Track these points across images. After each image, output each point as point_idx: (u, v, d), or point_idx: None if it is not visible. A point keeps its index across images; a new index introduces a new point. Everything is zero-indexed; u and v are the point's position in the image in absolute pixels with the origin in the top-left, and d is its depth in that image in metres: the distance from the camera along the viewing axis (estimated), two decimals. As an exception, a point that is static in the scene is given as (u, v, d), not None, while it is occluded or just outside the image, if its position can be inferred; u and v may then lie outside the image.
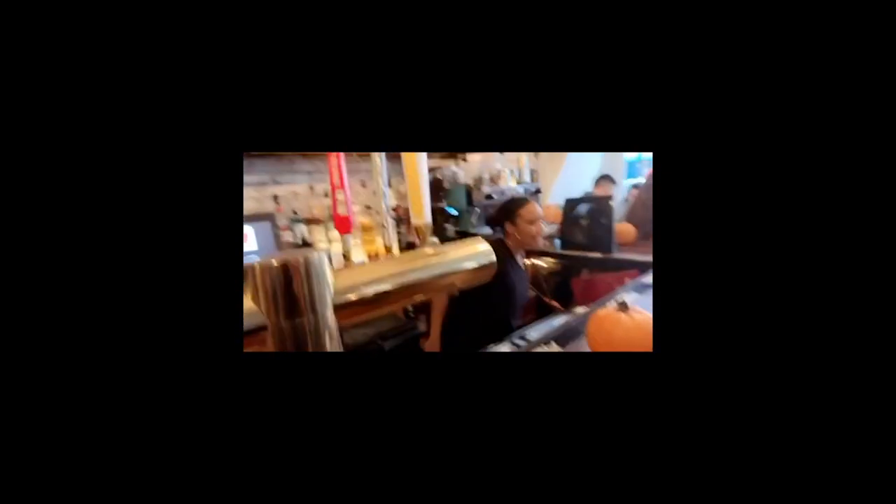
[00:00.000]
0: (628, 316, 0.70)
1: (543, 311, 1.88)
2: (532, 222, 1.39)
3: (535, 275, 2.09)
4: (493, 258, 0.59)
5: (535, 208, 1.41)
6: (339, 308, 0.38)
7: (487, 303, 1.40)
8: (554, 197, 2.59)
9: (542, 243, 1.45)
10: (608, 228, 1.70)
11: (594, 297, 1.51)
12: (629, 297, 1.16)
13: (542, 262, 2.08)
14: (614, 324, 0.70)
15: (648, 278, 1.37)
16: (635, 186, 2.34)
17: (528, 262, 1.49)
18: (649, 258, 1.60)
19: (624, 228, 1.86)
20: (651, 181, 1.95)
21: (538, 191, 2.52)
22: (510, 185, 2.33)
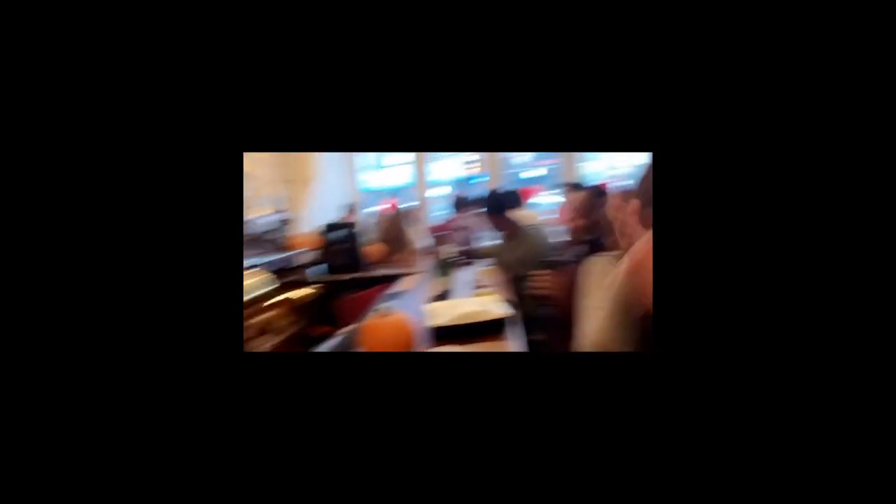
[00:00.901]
0: (387, 319, 0.83)
1: (311, 342, 1.86)
2: None
3: (296, 307, 2.02)
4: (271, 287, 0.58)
5: None
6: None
7: None
8: (305, 226, 2.60)
9: None
10: (360, 250, 1.88)
11: (358, 313, 1.62)
12: (384, 306, 1.34)
13: (299, 293, 2.03)
14: (380, 329, 0.81)
15: (395, 288, 1.61)
16: (383, 211, 2.69)
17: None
18: (397, 271, 1.87)
19: (377, 248, 2.10)
20: (397, 209, 2.29)
21: (287, 221, 2.46)
22: (262, 216, 2.16)
